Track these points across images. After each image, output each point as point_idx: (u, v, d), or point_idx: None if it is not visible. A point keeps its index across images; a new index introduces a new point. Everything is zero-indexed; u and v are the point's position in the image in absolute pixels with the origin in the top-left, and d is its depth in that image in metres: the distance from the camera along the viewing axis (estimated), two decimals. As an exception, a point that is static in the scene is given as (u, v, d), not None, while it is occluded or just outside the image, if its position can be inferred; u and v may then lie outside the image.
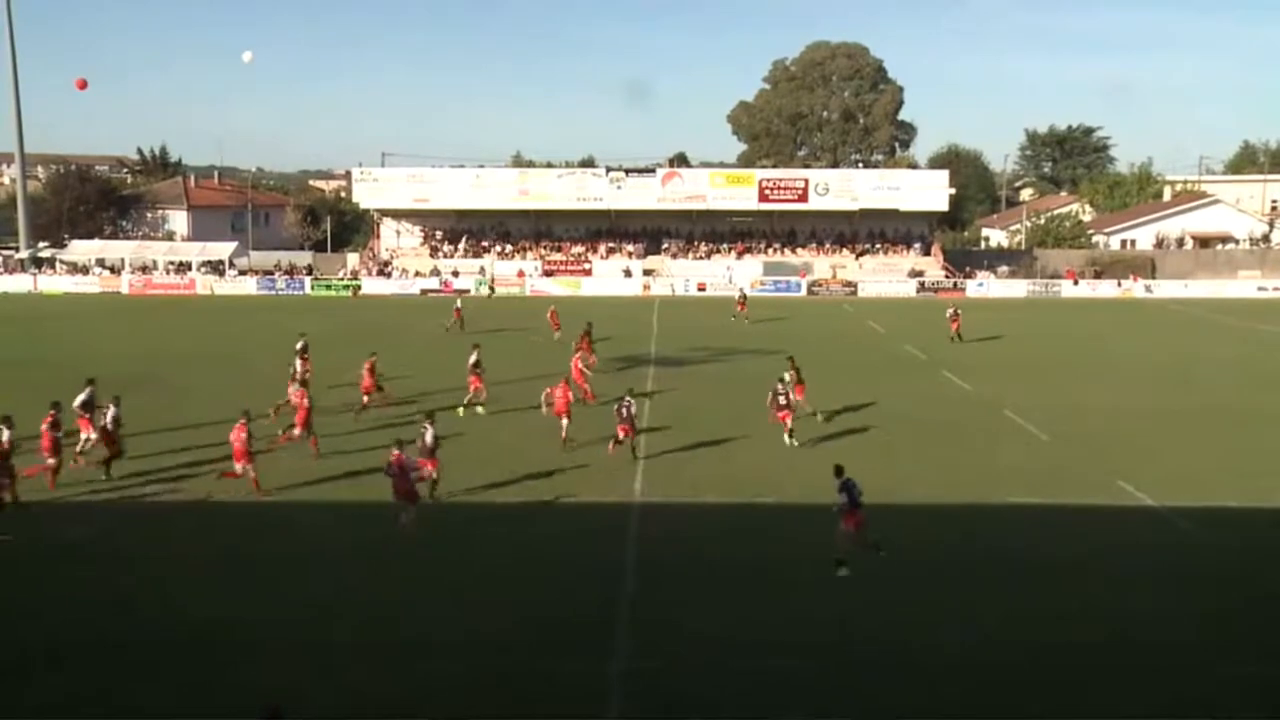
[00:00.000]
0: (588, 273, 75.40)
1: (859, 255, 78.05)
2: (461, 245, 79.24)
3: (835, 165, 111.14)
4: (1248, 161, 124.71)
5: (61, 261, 77.37)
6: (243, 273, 76.35)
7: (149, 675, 14.65)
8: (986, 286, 73.64)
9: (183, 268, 76.65)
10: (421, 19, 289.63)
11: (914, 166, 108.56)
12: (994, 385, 36.33)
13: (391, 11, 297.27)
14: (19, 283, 73.70)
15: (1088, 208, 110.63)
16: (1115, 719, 13.85)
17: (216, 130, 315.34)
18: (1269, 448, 27.77)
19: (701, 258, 77.77)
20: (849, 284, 73.60)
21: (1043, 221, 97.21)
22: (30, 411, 23.47)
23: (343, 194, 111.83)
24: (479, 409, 30.56)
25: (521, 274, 73.88)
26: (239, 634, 15.86)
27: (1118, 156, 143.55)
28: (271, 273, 76.17)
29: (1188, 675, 14.88)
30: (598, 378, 34.18)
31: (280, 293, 73.04)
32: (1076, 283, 74.07)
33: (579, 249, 78.82)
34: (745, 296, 59.19)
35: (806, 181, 78.29)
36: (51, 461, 22.82)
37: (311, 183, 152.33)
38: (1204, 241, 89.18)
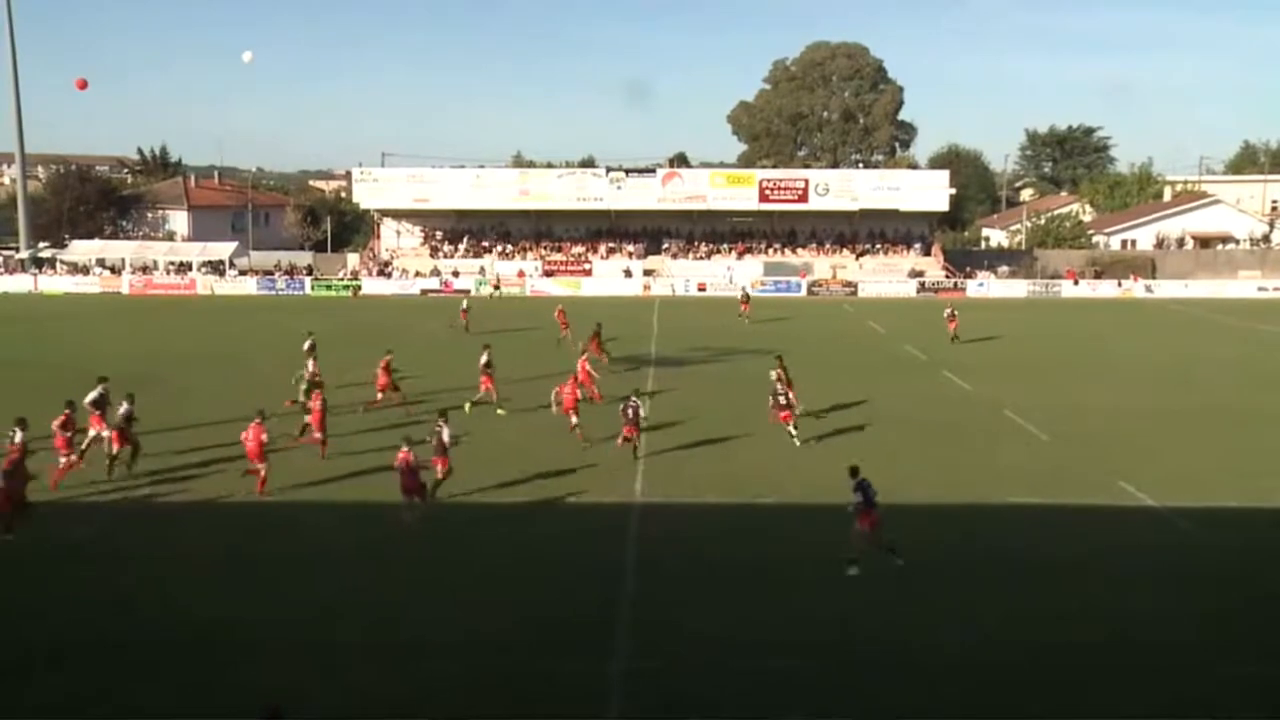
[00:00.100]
0: (588, 273, 75.41)
1: (859, 255, 78.07)
2: (462, 246, 79.25)
3: (835, 165, 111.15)
4: (1248, 162, 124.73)
5: (62, 262, 77.38)
6: (243, 273, 76.37)
7: (150, 675, 14.66)
8: (987, 287, 73.65)
9: (183, 268, 76.67)
10: (421, 19, 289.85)
11: (914, 167, 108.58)
12: (994, 385, 36.34)
13: (391, 11, 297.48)
14: (19, 283, 73.72)
15: (1088, 208, 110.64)
16: (1115, 719, 13.87)
17: (217, 130, 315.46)
18: (1269, 448, 27.78)
19: (702, 258, 77.78)
20: (849, 284, 73.60)
21: (1043, 222, 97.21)
22: (31, 412, 23.44)
23: (343, 194, 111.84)
24: (499, 410, 30.50)
25: (522, 274, 73.88)
26: (240, 634, 15.87)
27: (1118, 157, 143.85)
28: (272, 273, 76.19)
29: (1188, 675, 14.88)
30: (602, 378, 34.18)
31: (280, 293, 73.06)
32: (1077, 283, 74.08)
33: (579, 249, 78.84)
34: (748, 296, 59.22)
35: (807, 182, 78.30)
36: (68, 459, 22.97)
37: (312, 183, 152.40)
38: (1204, 242, 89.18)
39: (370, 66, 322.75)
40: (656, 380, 36.79)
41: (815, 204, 77.11)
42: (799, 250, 79.10)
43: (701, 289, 72.94)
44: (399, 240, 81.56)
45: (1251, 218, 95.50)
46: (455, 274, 74.20)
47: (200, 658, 15.12)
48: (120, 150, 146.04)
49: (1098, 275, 76.54)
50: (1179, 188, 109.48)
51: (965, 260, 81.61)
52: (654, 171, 79.61)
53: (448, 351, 43.30)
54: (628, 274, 74.74)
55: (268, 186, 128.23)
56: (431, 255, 78.54)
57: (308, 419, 26.69)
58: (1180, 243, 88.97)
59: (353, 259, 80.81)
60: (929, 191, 78.01)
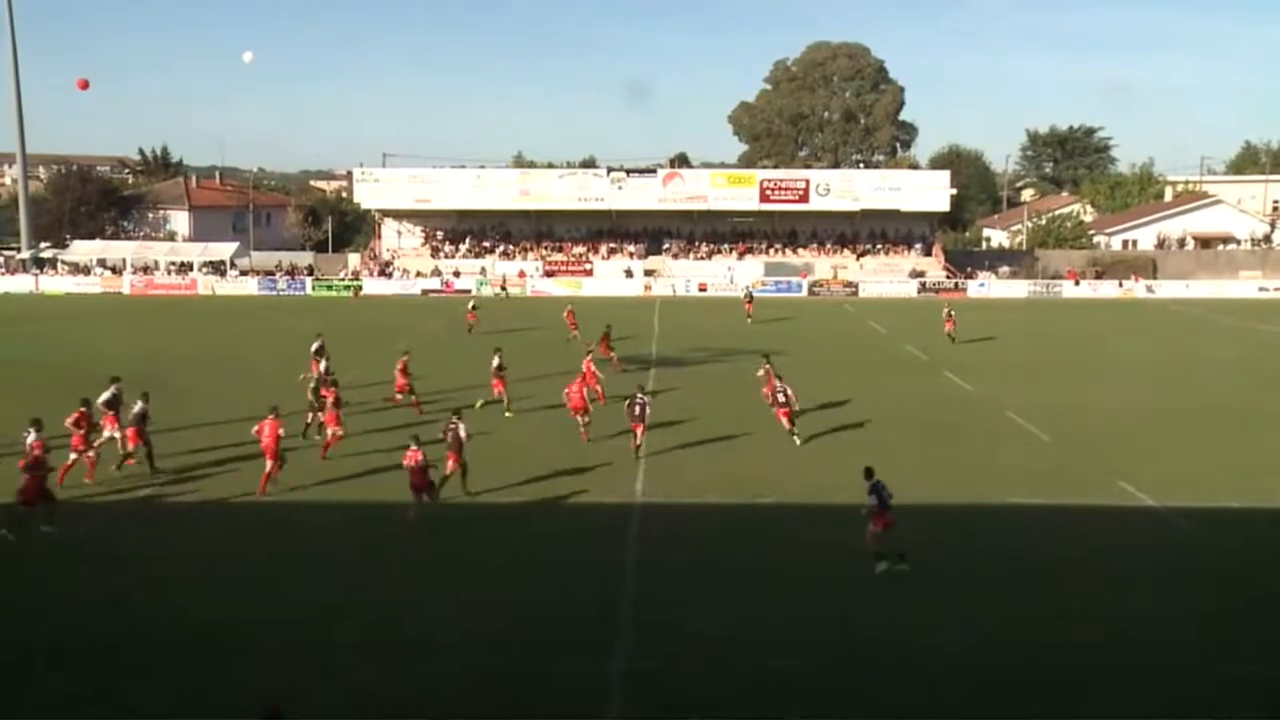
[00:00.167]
0: (589, 273, 75.41)
1: (860, 256, 78.06)
2: (463, 246, 79.24)
3: (836, 166, 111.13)
4: (1249, 162, 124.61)
5: (63, 262, 77.42)
6: (244, 273, 76.39)
7: (148, 675, 14.65)
8: (988, 287, 73.62)
9: (184, 268, 76.69)
10: (421, 19, 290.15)
11: (915, 167, 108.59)
12: (995, 386, 36.32)
13: (391, 11, 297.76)
14: (21, 283, 73.77)
15: (1089, 208, 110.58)
16: (1115, 719, 13.85)
17: (218, 130, 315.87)
18: (1269, 448, 27.76)
19: (703, 258, 77.77)
20: (850, 284, 73.58)
21: (1044, 222, 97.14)
22: (34, 412, 23.42)
23: (344, 194, 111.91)
24: (507, 413, 30.47)
25: (523, 274, 73.88)
26: (238, 634, 15.86)
27: (1119, 157, 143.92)
28: (273, 273, 76.22)
29: (1188, 675, 14.86)
30: (612, 378, 34.12)
31: (281, 293, 73.08)
32: (1078, 283, 74.06)
33: (580, 249, 78.83)
34: (752, 297, 59.26)
35: (807, 182, 78.30)
36: (90, 455, 23.07)
37: (312, 183, 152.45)
38: (1205, 242, 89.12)
39: (371, 66, 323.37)
40: (657, 380, 36.76)
41: (816, 204, 77.11)
42: (800, 250, 79.08)
43: (702, 289, 72.93)
44: (400, 240, 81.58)
45: (1253, 218, 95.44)
46: (456, 274, 74.22)
47: (198, 658, 15.11)
48: (121, 150, 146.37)
49: (1099, 275, 76.50)
50: (1180, 188, 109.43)
51: (966, 260, 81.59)
52: (655, 172, 79.61)
53: (448, 351, 43.30)
54: (629, 274, 74.73)
55: (269, 187, 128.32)
56: (432, 255, 78.55)
57: (322, 418, 26.78)
58: (1181, 243, 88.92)
59: (354, 259, 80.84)
60: (930, 192, 77.99)
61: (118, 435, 24.41)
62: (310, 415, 27.74)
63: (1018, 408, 32.25)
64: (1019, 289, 73.70)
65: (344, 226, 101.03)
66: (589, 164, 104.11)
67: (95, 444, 23.89)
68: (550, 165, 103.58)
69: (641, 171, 79.39)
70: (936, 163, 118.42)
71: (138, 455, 24.19)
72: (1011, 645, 15.78)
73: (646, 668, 14.90)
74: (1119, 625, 16.42)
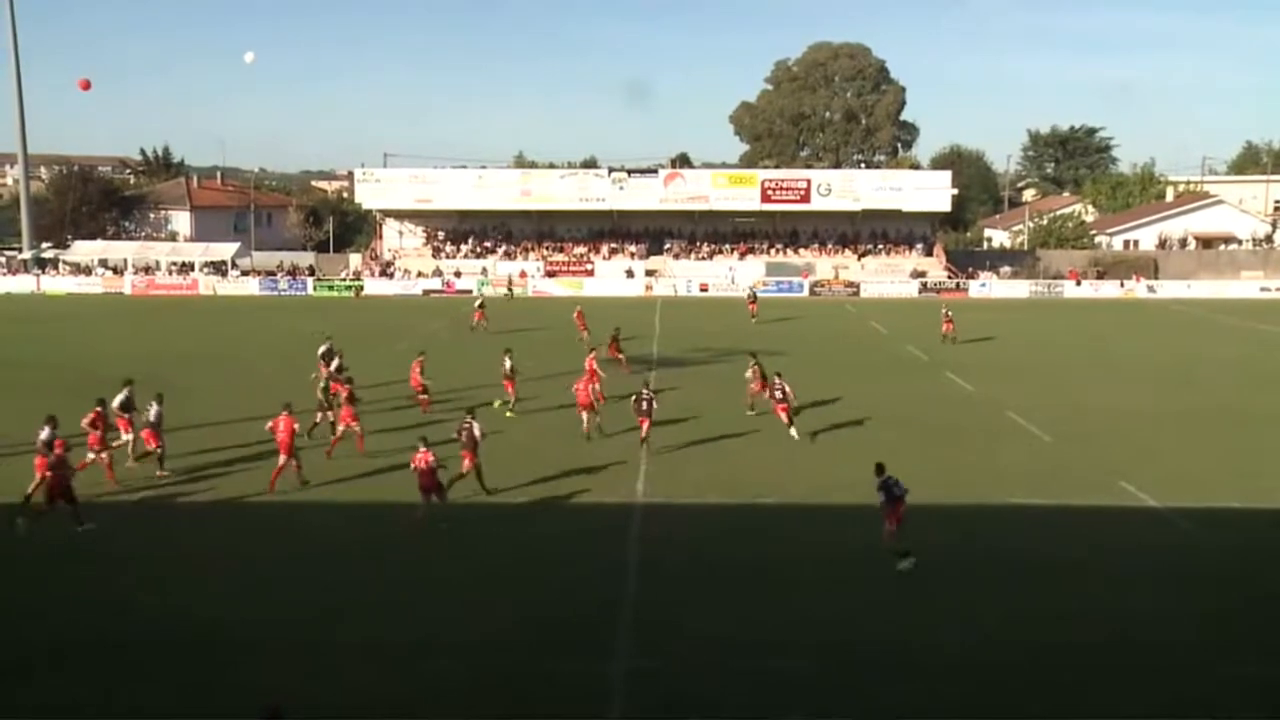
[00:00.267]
0: (590, 273, 75.42)
1: (861, 256, 78.07)
2: (465, 246, 79.26)
3: (837, 166, 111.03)
4: (1251, 162, 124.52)
5: (64, 262, 77.48)
6: (245, 273, 76.43)
7: (150, 675, 14.67)
8: (989, 287, 73.61)
9: (185, 268, 76.74)
10: (421, 19, 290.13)
11: (916, 167, 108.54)
12: (996, 386, 36.32)
13: (391, 11, 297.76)
14: (22, 283, 73.83)
15: (1090, 208, 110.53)
16: (1115, 719, 13.87)
17: (219, 131, 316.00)
18: (1270, 448, 27.76)
19: (704, 258, 77.79)
20: (851, 284, 73.59)
21: (1045, 222, 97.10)
22: (35, 412, 23.49)
23: (345, 194, 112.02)
24: (508, 413, 30.53)
25: (524, 274, 73.89)
26: (239, 634, 15.88)
27: (1120, 157, 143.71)
28: (274, 273, 76.26)
29: (1188, 675, 14.87)
30: (610, 377, 34.12)
31: (283, 293, 73.12)
32: (1079, 283, 74.03)
33: (581, 249, 78.86)
34: (756, 297, 59.31)
35: (809, 182, 78.32)
36: (104, 456, 23.15)
37: (314, 183, 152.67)
38: (1207, 242, 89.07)
39: (371, 66, 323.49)
40: (659, 380, 36.65)
41: (817, 204, 77.12)
42: (801, 251, 79.10)
43: (704, 289, 72.94)
44: (401, 241, 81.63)
45: (1254, 218, 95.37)
46: (457, 274, 74.25)
47: (200, 658, 15.13)
48: (123, 151, 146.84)
49: (1100, 276, 76.48)
50: (1181, 188, 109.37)
51: (967, 261, 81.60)
52: (656, 172, 79.65)
53: (451, 351, 43.29)
54: (630, 274, 74.75)
55: (270, 187, 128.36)
56: (434, 256, 78.58)
57: (332, 417, 26.98)
58: (1183, 243, 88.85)
59: (355, 259, 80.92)
60: (931, 192, 77.97)
61: (128, 437, 24.45)
62: (320, 415, 27.70)
63: (1018, 408, 32.25)
64: (1020, 289, 73.69)
65: (345, 227, 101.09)
66: (590, 164, 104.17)
67: (112, 444, 24.02)
68: (551, 165, 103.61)
69: (643, 172, 79.43)
70: (938, 163, 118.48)
71: (153, 454, 24.28)
72: (1011, 645, 15.79)
73: (647, 668, 14.92)
74: (1119, 625, 16.42)
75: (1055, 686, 14.51)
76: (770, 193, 77.38)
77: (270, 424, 23.08)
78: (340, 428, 26.10)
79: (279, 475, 22.80)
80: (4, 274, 75.64)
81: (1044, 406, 32.55)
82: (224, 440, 27.02)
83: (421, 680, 14.55)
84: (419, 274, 74.95)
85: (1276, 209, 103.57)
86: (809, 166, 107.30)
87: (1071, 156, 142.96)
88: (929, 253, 78.74)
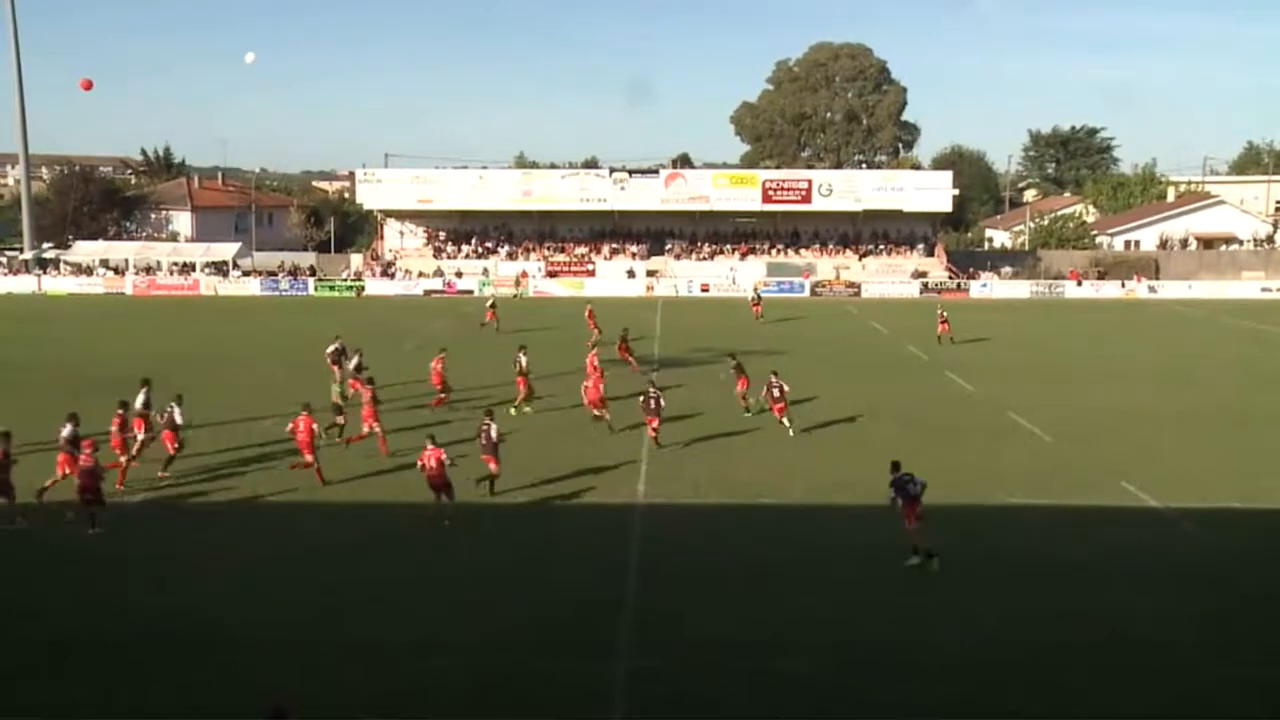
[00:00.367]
0: (591, 273, 75.38)
1: (862, 256, 78.04)
2: (466, 247, 79.24)
3: (839, 166, 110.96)
4: (1252, 162, 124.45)
5: (66, 262, 77.43)
6: (246, 274, 76.41)
7: (149, 675, 14.68)
8: (990, 287, 73.57)
9: (186, 268, 76.72)
10: (422, 19, 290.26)
11: (917, 167, 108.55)
12: (997, 386, 36.31)
13: (392, 11, 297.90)
14: (24, 284, 73.81)
15: (1091, 208, 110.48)
16: (1115, 719, 13.87)
17: (220, 131, 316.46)
18: (1271, 448, 27.74)
19: (705, 259, 77.76)
20: (852, 285, 73.54)
21: (1046, 222, 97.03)
22: (37, 412, 23.52)
23: (346, 195, 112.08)
24: (511, 410, 30.56)
25: (525, 275, 73.86)
26: (239, 634, 15.89)
27: (1121, 157, 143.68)
28: (275, 274, 76.25)
29: (1188, 675, 14.88)
30: (617, 377, 34.14)
31: (284, 294, 73.11)
32: (1080, 284, 74.00)
33: (582, 250, 78.84)
34: (760, 298, 59.34)
35: (810, 182, 78.29)
36: (135, 462, 23.25)
37: (315, 183, 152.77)
38: (1208, 242, 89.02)
39: (372, 67, 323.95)
40: (660, 380, 36.63)
41: (818, 205, 77.07)
42: (802, 251, 79.07)
43: (705, 290, 72.89)
44: (402, 241, 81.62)
45: (1255, 218, 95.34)
46: (459, 274, 74.26)
47: (200, 658, 15.14)
48: (124, 151, 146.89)
49: (1101, 276, 76.44)
50: (1182, 188, 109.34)
51: (968, 261, 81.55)
52: (657, 172, 79.63)
53: (456, 351, 43.17)
54: (631, 275, 74.73)
55: (271, 187, 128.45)
56: (435, 256, 78.57)
57: (339, 420, 27.11)
58: (1184, 243, 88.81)
59: (356, 260, 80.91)
60: (932, 192, 77.92)
61: (140, 436, 24.51)
62: (339, 417, 27.63)
63: (1019, 408, 32.24)
64: (1021, 289, 73.65)
65: (346, 227, 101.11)
66: (591, 164, 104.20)
67: (134, 448, 24.14)
68: (552, 166, 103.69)
69: (644, 172, 79.42)
70: (939, 163, 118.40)
71: (170, 452, 24.39)
72: (1011, 645, 15.79)
73: (647, 667, 14.92)
74: (1119, 625, 16.43)
75: (1055, 686, 14.52)
76: (771, 193, 77.35)
77: (290, 425, 23.24)
78: (364, 428, 26.06)
79: (319, 471, 23.14)
80: (5, 274, 75.62)
81: (1045, 406, 32.54)
82: (224, 441, 27.03)
83: (421, 680, 14.56)
84: (420, 274, 74.93)
85: (1278, 209, 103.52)
86: (810, 167, 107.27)
87: (1072, 157, 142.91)
88: (930, 253, 78.71)
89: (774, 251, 78.73)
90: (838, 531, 20.72)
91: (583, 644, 15.74)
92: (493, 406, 25.14)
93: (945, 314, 47.87)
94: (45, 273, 75.86)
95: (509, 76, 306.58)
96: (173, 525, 21.29)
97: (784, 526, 21.43)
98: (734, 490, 23.55)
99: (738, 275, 73.71)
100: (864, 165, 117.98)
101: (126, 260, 77.48)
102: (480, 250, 78.91)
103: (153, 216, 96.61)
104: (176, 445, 24.24)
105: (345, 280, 74.89)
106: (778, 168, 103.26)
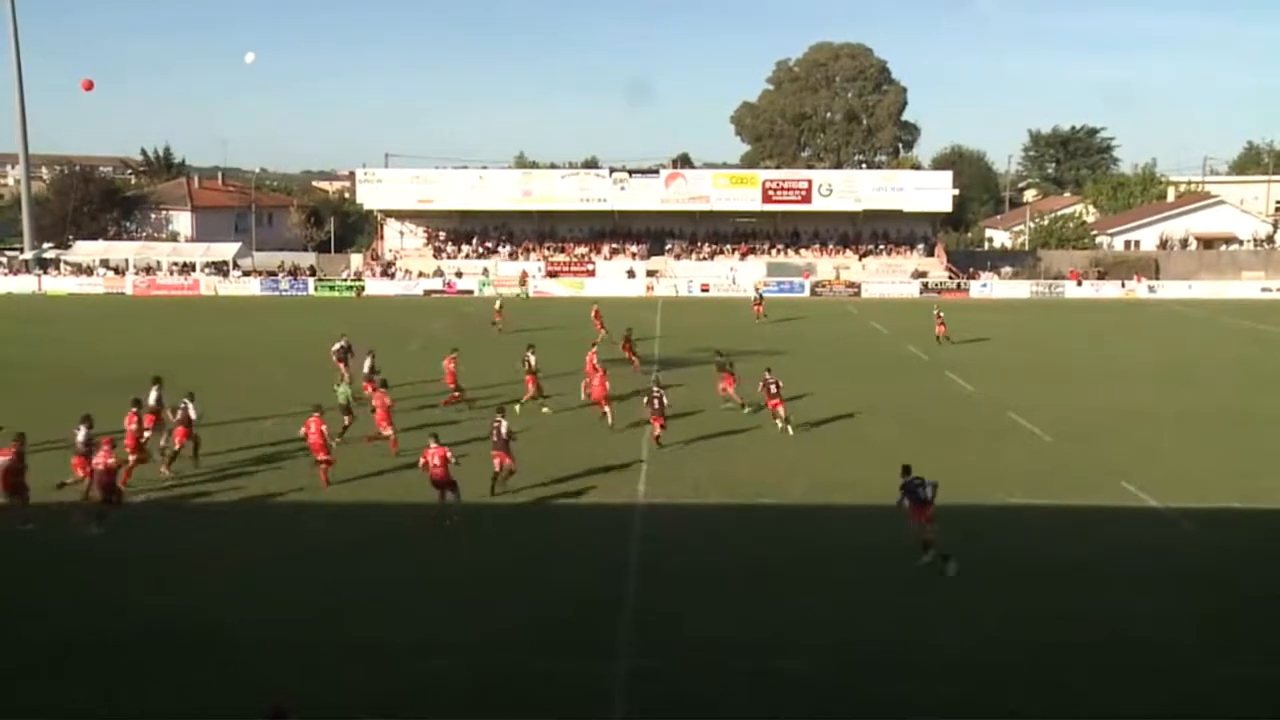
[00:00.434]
0: (591, 273, 75.37)
1: (862, 256, 78.03)
2: (468, 246, 79.22)
3: (839, 166, 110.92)
4: (1252, 162, 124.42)
5: (66, 262, 77.42)
6: (246, 274, 76.40)
7: (149, 675, 14.68)
8: (990, 287, 73.57)
9: (187, 268, 76.72)
10: (422, 19, 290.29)
11: (917, 167, 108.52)
12: (997, 386, 36.31)
13: (392, 11, 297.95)
14: (24, 284, 73.81)
15: (1091, 209, 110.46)
16: (1115, 719, 13.87)
17: (220, 131, 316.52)
18: (1271, 448, 27.74)
19: (705, 259, 77.75)
20: (852, 285, 73.53)
21: (1046, 222, 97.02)
22: (38, 412, 23.52)
23: (346, 195, 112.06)
24: (516, 407, 30.57)
25: (525, 275, 73.83)
26: (239, 634, 15.90)
27: (1121, 157, 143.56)
28: (275, 274, 76.25)
29: (1188, 675, 14.88)
30: (620, 377, 34.16)
31: (284, 294, 73.10)
32: (1080, 284, 73.99)
33: (582, 250, 78.82)
34: (762, 298, 59.36)
35: (810, 182, 78.28)
36: (132, 459, 23.26)
37: (315, 183, 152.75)
38: (1208, 242, 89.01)
39: (372, 66, 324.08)
40: (660, 380, 36.73)
41: (818, 205, 77.06)
42: (802, 251, 79.07)
43: (705, 290, 72.89)
44: (402, 241, 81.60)
45: (1255, 218, 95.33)
46: (459, 275, 74.26)
47: (200, 658, 15.14)
48: (124, 151, 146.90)
49: (1101, 276, 76.43)
50: (1182, 188, 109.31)
51: (968, 261, 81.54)
52: (657, 172, 79.64)
53: (462, 350, 43.25)
54: (631, 275, 74.72)
55: (271, 187, 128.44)
56: (435, 256, 78.56)
57: (346, 420, 27.15)
58: (1184, 243, 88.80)
59: (356, 260, 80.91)
60: (932, 192, 77.91)
61: (148, 434, 24.57)
62: (346, 417, 27.63)
63: (1019, 408, 32.24)
64: (1021, 289, 73.64)
65: (346, 227, 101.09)
66: (591, 164, 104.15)
67: (146, 446, 24.24)
68: (552, 166, 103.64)
69: (644, 172, 79.41)
70: (939, 163, 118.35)
71: (184, 451, 24.59)
72: (1011, 645, 15.80)
73: (647, 668, 14.92)
74: (1119, 625, 16.43)
75: (1055, 686, 14.52)
76: (771, 193, 77.34)
77: (303, 429, 23.34)
78: (386, 432, 26.09)
79: (325, 473, 23.20)
80: (5, 274, 75.61)
81: (1045, 406, 32.54)
82: (225, 441, 26.99)
83: (421, 680, 14.56)
84: (420, 274, 74.92)
85: (1278, 209, 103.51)
86: (810, 167, 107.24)
87: (1072, 157, 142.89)
88: (930, 253, 78.70)
89: (774, 251, 78.73)
90: (838, 531, 20.72)
91: (583, 644, 15.74)
92: (504, 404, 25.19)
93: (941, 314, 47.87)
94: (45, 273, 75.86)
95: (509, 76, 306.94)
96: (173, 525, 21.29)
97: (784, 526, 21.43)
98: (734, 490, 23.56)
99: (738, 275, 73.72)
100: (864, 165, 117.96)
101: (126, 260, 77.47)
102: (480, 250, 78.92)
103: (153, 216, 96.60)
104: (190, 441, 24.43)
105: (345, 280, 74.89)
106: (778, 168, 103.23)
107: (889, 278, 74.90)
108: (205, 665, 14.90)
